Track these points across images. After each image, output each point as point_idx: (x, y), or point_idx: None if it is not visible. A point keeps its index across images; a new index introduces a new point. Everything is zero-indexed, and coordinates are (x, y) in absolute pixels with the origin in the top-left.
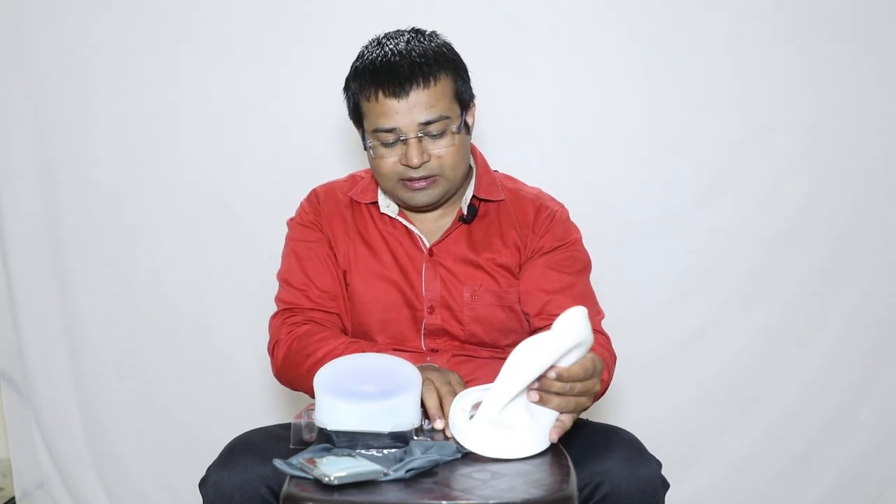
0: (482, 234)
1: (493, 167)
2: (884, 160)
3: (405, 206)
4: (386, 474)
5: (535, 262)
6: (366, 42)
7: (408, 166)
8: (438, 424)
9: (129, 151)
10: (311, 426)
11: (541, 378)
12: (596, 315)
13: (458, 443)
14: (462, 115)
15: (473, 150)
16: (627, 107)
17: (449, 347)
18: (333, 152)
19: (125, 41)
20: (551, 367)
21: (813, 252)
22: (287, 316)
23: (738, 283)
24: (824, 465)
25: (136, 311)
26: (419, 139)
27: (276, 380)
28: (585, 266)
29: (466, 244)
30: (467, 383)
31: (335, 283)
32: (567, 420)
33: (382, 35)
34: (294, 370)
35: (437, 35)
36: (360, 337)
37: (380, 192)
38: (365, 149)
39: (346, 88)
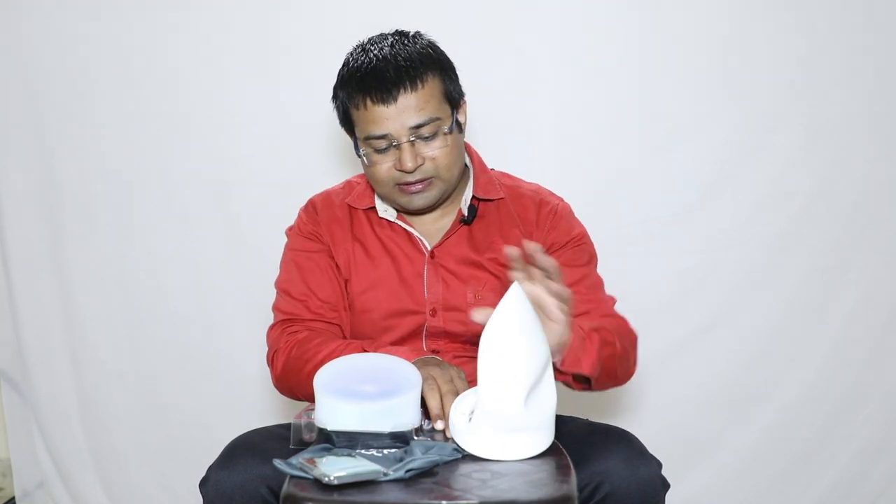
0: (483, 234)
1: (492, 167)
2: (884, 160)
3: (403, 210)
4: (386, 474)
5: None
6: (350, 48)
7: (403, 171)
8: (440, 426)
9: (129, 151)
10: (311, 426)
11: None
12: (609, 301)
13: (458, 445)
14: (453, 114)
15: (469, 150)
16: (627, 107)
17: (450, 349)
18: (334, 152)
19: (125, 41)
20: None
21: (813, 252)
22: (286, 326)
23: (738, 283)
24: (824, 465)
25: (136, 311)
26: (411, 143)
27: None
28: (593, 257)
29: (468, 245)
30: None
31: (336, 294)
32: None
33: (366, 40)
34: (295, 376)
35: (421, 35)
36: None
37: (377, 196)
38: (358, 156)
39: (335, 97)
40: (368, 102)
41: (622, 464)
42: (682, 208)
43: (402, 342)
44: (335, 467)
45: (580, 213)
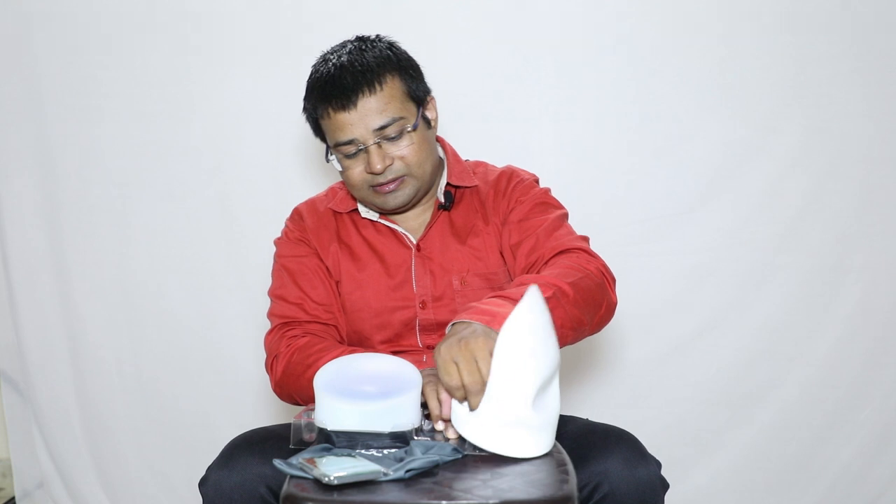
0: (463, 220)
1: (499, 166)
2: (884, 160)
3: (382, 211)
4: (386, 474)
5: (510, 222)
6: (314, 59)
7: (373, 173)
8: (440, 426)
9: (129, 151)
10: (311, 426)
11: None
12: (581, 240)
13: (461, 438)
14: (419, 111)
15: (442, 143)
16: (627, 107)
17: None
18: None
19: (126, 42)
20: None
21: (813, 252)
22: (285, 330)
23: (738, 283)
24: (824, 465)
25: (136, 311)
26: (378, 145)
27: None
28: (553, 207)
29: (450, 232)
30: None
31: (330, 295)
32: None
33: (328, 50)
34: (295, 381)
35: (381, 38)
36: (356, 342)
37: (357, 201)
38: (328, 162)
39: (304, 109)
40: (331, 110)
41: (621, 464)
42: (682, 208)
43: (397, 338)
44: (335, 467)
45: (581, 214)
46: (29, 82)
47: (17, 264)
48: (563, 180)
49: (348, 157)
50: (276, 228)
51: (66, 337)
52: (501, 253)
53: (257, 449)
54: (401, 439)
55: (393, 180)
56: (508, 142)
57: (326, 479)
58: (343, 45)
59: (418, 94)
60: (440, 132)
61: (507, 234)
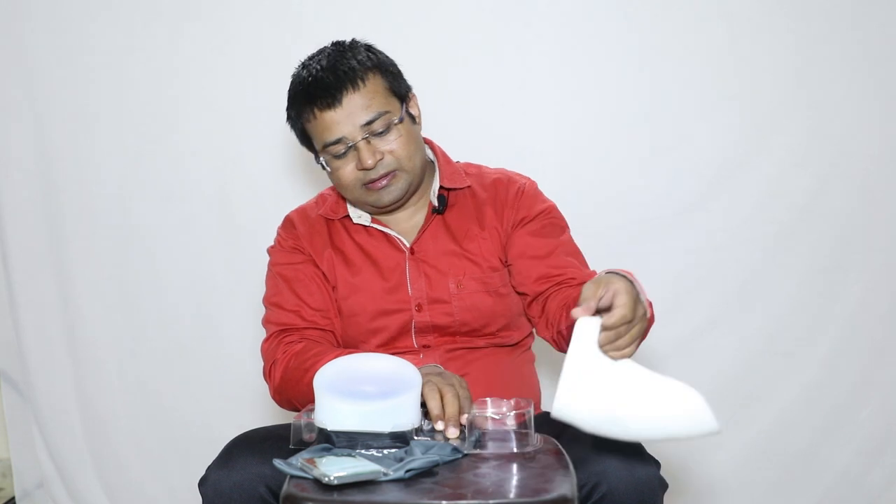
0: (458, 223)
1: (491, 168)
2: (884, 160)
3: (375, 210)
4: (386, 474)
5: (518, 234)
6: (295, 68)
7: (365, 169)
8: (440, 426)
9: (129, 151)
10: (311, 426)
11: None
12: (588, 270)
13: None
14: (402, 106)
15: (431, 145)
16: (627, 107)
17: (441, 343)
18: None
19: (124, 41)
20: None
21: (813, 252)
22: (282, 337)
23: (738, 283)
24: (824, 465)
25: (136, 311)
26: (367, 140)
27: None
28: (565, 228)
29: (445, 235)
30: (462, 377)
31: (326, 301)
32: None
33: (306, 57)
34: (294, 387)
35: (357, 42)
36: (353, 346)
37: (349, 204)
38: (323, 168)
39: (288, 118)
40: (316, 111)
41: (620, 464)
42: (682, 208)
43: (393, 341)
44: (335, 467)
45: (581, 214)
46: (29, 83)
47: (17, 264)
48: (563, 180)
49: (337, 157)
50: (276, 229)
51: (66, 337)
52: (500, 259)
53: (257, 449)
54: (401, 439)
55: (384, 175)
56: (508, 141)
57: (326, 479)
58: (321, 51)
59: (400, 90)
60: (438, 132)
61: (519, 245)
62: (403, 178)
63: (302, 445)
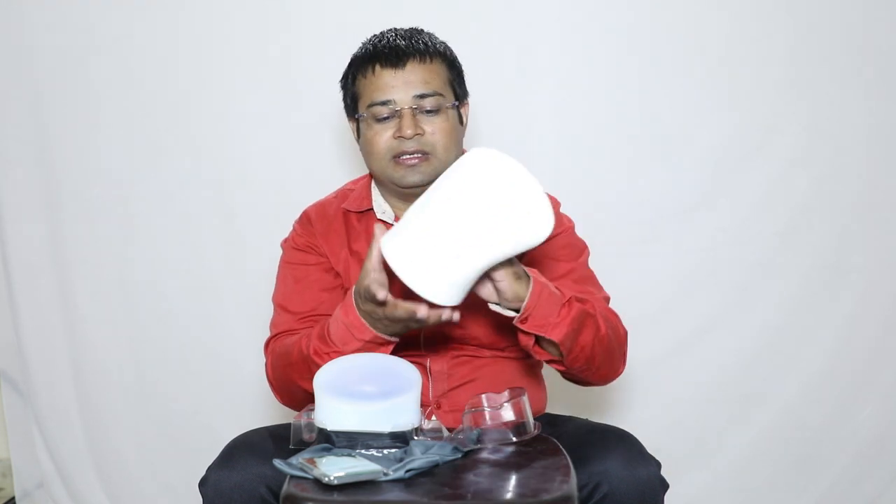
0: None
1: None
2: (883, 160)
3: (397, 186)
4: (386, 474)
5: (533, 255)
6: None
7: (402, 137)
8: (422, 312)
9: (129, 151)
10: (311, 426)
11: None
12: (601, 296)
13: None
14: (455, 103)
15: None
16: (627, 107)
17: (447, 350)
18: (334, 152)
19: (125, 41)
20: None
21: (813, 252)
22: (279, 339)
23: (738, 283)
24: (824, 465)
25: (136, 311)
26: (413, 111)
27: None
28: (583, 251)
29: None
30: (468, 383)
31: (335, 304)
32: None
33: (384, 30)
34: (283, 372)
35: (435, 35)
36: None
37: (374, 198)
38: (357, 139)
39: (344, 77)
40: (377, 67)
41: (621, 464)
42: (682, 208)
43: (399, 345)
44: (335, 467)
45: (581, 214)
46: (29, 82)
47: (17, 264)
48: (563, 180)
49: (378, 120)
50: (277, 228)
51: (66, 337)
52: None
53: (257, 449)
54: (401, 439)
55: (417, 153)
56: (508, 142)
57: (326, 479)
58: (398, 28)
59: (459, 90)
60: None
61: (534, 265)
62: (433, 163)
63: (302, 445)
